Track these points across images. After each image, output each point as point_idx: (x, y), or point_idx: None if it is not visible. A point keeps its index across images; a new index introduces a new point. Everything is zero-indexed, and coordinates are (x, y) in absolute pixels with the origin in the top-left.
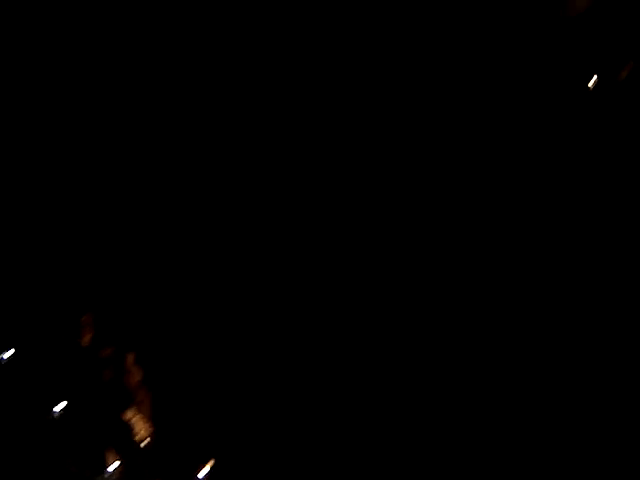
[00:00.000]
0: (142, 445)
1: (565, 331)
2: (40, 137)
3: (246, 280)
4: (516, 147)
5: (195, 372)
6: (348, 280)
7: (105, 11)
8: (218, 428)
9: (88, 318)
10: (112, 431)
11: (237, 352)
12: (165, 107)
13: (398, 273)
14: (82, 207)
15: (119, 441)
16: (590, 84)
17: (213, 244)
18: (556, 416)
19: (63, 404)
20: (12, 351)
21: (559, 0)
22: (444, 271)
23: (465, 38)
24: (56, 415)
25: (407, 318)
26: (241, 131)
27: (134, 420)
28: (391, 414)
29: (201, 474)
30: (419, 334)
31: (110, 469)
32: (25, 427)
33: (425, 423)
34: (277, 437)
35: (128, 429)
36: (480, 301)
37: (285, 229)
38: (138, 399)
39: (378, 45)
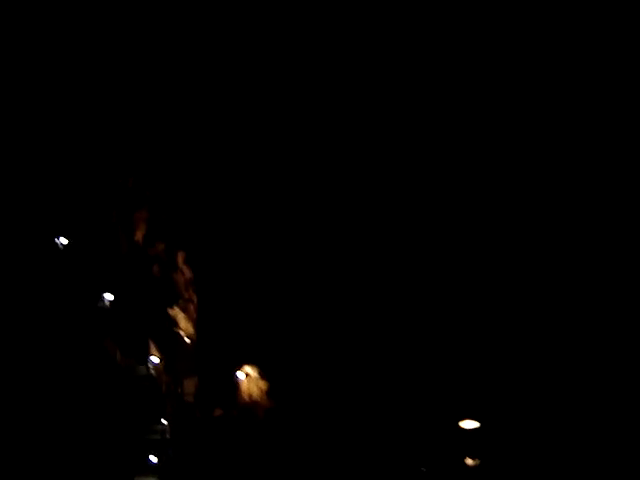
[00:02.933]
0: (186, 341)
1: (565, 334)
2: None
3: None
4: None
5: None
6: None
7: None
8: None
9: (142, 214)
10: (158, 325)
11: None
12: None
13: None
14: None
15: (163, 335)
16: None
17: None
18: (555, 417)
19: (110, 296)
20: None
21: None
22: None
23: None
24: (105, 305)
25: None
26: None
27: (179, 317)
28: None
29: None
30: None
31: (154, 359)
32: (76, 312)
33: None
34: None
35: (173, 325)
36: (479, 301)
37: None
38: (185, 297)
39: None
